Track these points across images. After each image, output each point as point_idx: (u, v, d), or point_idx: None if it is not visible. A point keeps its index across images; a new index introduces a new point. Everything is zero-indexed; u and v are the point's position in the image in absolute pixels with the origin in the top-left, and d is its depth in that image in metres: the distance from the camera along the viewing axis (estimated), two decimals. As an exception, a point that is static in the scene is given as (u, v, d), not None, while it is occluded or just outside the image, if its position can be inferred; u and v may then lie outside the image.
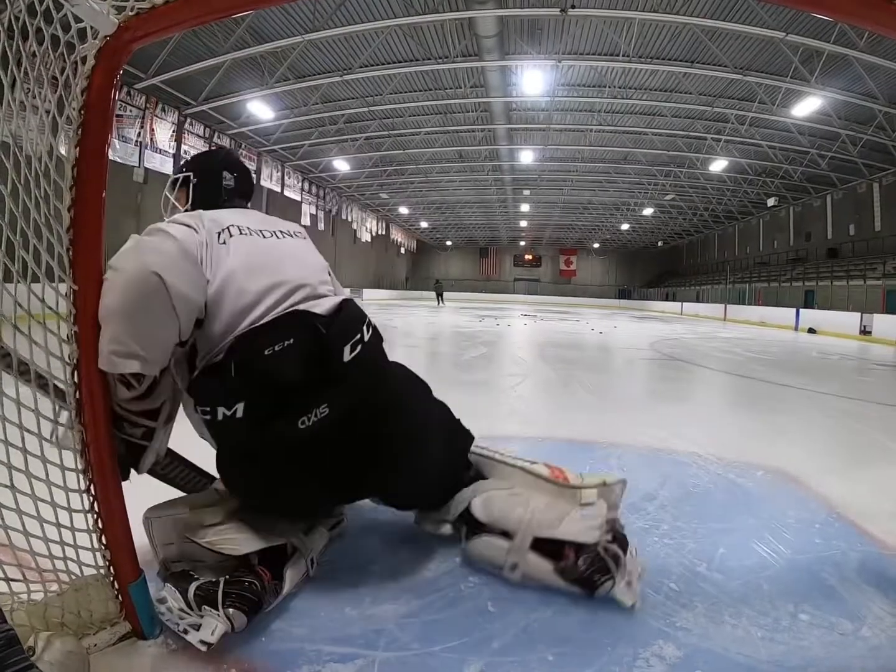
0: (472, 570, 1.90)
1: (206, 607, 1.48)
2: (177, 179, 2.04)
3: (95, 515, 1.36)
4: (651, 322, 24.80)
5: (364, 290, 41.54)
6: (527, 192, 37.96)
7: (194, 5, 1.21)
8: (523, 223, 50.16)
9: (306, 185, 32.25)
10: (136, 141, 18.62)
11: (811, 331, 22.55)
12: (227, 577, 1.57)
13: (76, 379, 1.30)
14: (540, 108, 22.53)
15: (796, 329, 23.91)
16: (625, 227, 48.48)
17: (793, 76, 17.17)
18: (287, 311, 1.64)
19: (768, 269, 37.05)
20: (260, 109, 20.72)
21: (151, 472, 1.78)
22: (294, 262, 1.81)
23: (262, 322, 1.59)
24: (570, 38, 16.54)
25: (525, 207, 42.56)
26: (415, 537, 2.11)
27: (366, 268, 45.63)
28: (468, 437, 2.11)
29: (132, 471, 1.59)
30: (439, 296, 39.91)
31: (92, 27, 1.16)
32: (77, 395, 1.30)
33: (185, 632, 1.45)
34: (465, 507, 1.91)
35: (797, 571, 2.03)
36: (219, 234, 1.68)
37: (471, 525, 1.91)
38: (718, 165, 28.28)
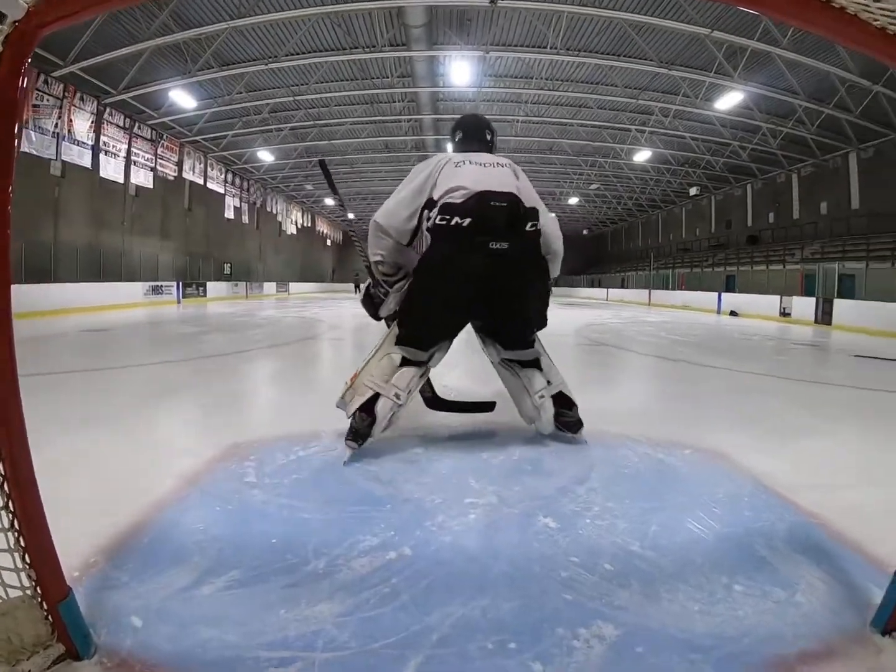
0: (405, 564, 1.89)
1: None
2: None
3: (16, 533, 1.28)
4: (578, 309, 25.22)
5: (290, 283, 40.99)
6: (453, 183, 37.93)
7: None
8: (452, 217, 49.90)
9: (230, 177, 31.29)
10: (53, 132, 17.73)
11: (733, 313, 23.36)
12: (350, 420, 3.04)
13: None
14: (467, 98, 22.58)
15: (718, 312, 24.75)
16: (551, 215, 48.99)
17: (716, 71, 17.91)
18: (509, 192, 2.96)
19: (691, 255, 38.39)
20: (182, 98, 20.01)
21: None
22: (494, 177, 3.04)
23: (494, 189, 2.92)
24: (498, 29, 16.66)
25: (452, 198, 42.49)
26: (344, 536, 2.07)
27: (291, 261, 45.13)
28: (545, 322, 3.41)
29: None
30: (357, 287, 41.75)
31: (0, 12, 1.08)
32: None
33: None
34: (537, 356, 3.40)
35: (728, 544, 2.08)
36: (457, 163, 3.08)
37: (531, 365, 3.36)
38: (642, 156, 29.06)
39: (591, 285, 49.79)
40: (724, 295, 25.95)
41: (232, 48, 17.36)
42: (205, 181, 28.51)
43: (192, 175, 27.20)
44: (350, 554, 1.93)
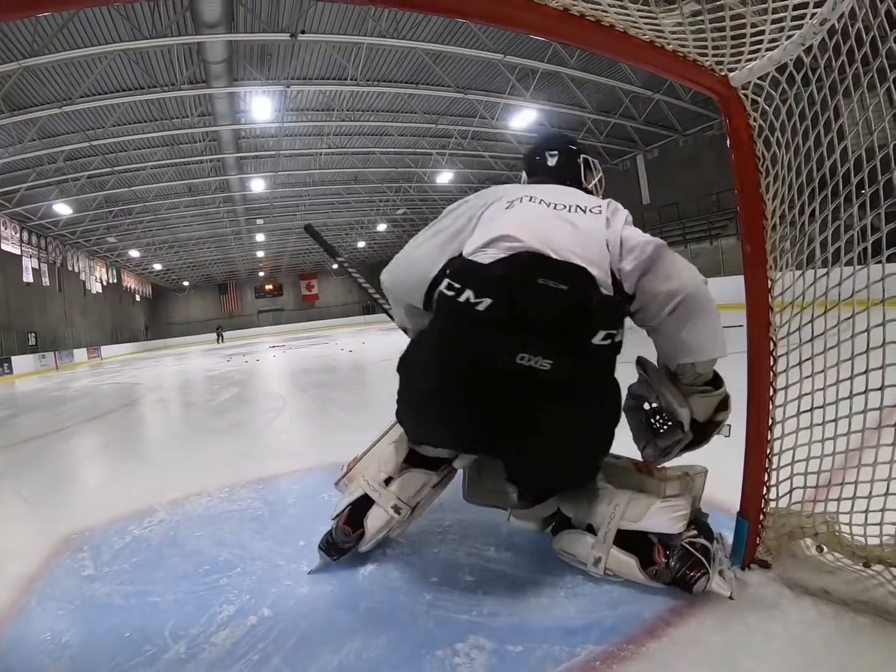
0: (268, 625, 1.78)
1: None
2: None
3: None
4: (398, 332, 25.49)
5: (102, 347, 38.00)
6: (260, 221, 37.31)
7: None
8: (260, 253, 49.01)
9: (26, 236, 28.64)
10: None
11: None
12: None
13: None
14: (269, 134, 22.47)
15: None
16: (361, 244, 49.53)
17: (510, 93, 19.33)
18: (574, 266, 1.65)
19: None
20: (-33, 150, 18.22)
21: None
22: (565, 234, 1.77)
23: (551, 254, 1.66)
24: (299, 63, 16.76)
25: (260, 237, 41.64)
26: (199, 612, 1.92)
27: (101, 322, 41.84)
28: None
29: None
30: (220, 336, 47.13)
31: None
32: None
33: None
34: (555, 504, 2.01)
35: None
36: (510, 201, 1.90)
37: (558, 521, 2.02)
38: (445, 177, 30.24)
39: (410, 307, 50.94)
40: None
41: (23, 90, 15.96)
42: (-1, 242, 26.04)
43: (-18, 237, 24.76)
44: (209, 629, 1.79)
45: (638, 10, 1.31)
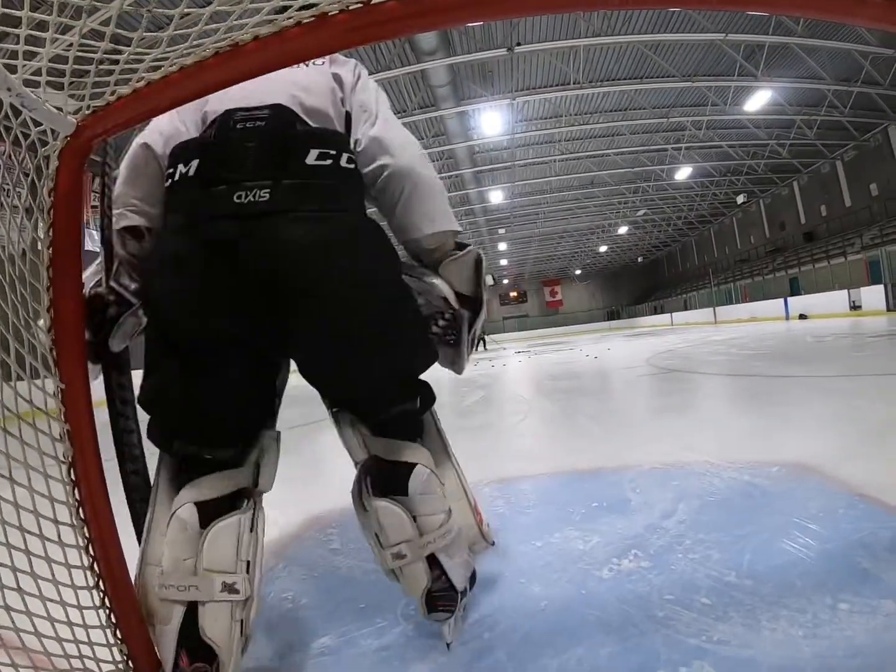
0: (495, 619, 1.77)
1: None
2: None
3: (107, 610, 1.33)
4: (644, 338, 24.56)
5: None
6: (502, 231, 38.51)
7: (146, 99, 1.20)
8: (503, 262, 50.62)
9: None
10: (115, 230, 18.79)
11: (802, 317, 22.85)
12: None
13: (73, 476, 1.28)
14: (502, 146, 23.11)
15: (787, 318, 24.22)
16: (602, 249, 49.16)
17: (739, 73, 17.97)
18: (273, 104, 1.47)
19: (750, 265, 37.58)
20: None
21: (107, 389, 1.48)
22: (282, 85, 1.60)
23: (244, 105, 1.45)
24: (520, 74, 17.11)
25: (503, 246, 43.03)
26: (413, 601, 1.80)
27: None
28: (430, 357, 1.74)
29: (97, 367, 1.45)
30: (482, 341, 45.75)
31: (52, 129, 1.17)
32: (76, 493, 1.28)
33: None
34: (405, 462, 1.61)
35: (828, 561, 1.94)
36: None
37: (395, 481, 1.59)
38: (683, 173, 29.09)
39: (654, 312, 49.18)
40: (790, 299, 25.43)
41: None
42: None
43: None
44: (439, 614, 1.89)
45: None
